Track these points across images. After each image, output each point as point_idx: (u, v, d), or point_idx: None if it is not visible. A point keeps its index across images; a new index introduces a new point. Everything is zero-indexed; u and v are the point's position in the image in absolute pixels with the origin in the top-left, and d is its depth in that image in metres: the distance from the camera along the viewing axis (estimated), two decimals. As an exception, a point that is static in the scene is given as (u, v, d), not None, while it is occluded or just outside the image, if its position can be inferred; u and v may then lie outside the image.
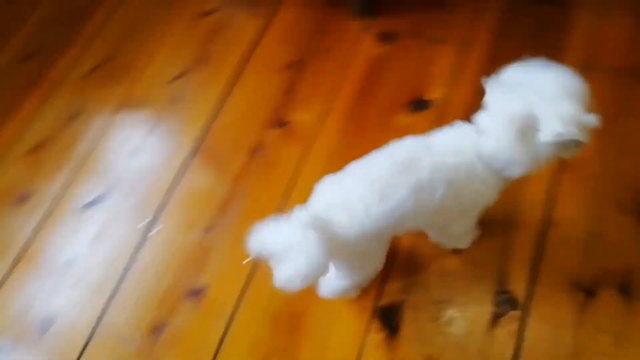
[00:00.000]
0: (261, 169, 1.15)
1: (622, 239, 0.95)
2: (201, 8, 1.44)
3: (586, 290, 0.92)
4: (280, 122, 1.21)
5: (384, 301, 0.95)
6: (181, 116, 1.27)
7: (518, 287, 0.94)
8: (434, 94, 1.18)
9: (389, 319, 0.93)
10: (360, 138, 1.15)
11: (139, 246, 1.08)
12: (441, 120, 1.13)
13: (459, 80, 1.19)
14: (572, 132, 0.66)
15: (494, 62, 1.21)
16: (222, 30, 1.39)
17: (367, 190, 0.75)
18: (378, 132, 1.15)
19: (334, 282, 0.90)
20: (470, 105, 1.14)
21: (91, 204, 1.17)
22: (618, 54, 1.16)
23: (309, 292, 0.96)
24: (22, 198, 1.20)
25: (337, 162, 1.13)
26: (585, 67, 1.13)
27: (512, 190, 1.03)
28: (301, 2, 1.39)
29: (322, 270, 0.70)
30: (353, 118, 1.18)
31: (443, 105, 1.16)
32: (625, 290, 0.91)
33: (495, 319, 0.91)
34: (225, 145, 1.20)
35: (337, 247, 0.73)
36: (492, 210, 1.02)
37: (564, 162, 1.04)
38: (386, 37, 1.28)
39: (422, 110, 1.16)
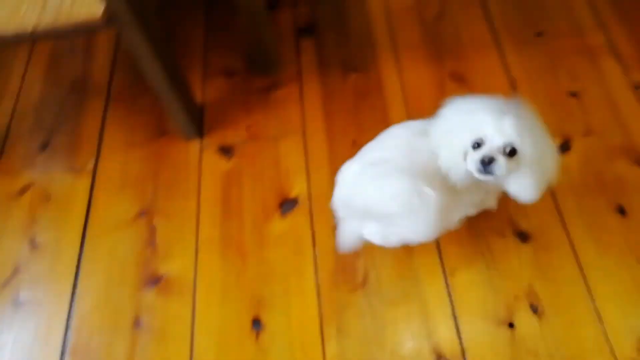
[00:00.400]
0: (151, 345, 1.00)
1: (511, 262, 1.02)
2: (11, 187, 1.25)
3: (507, 323, 0.96)
4: (152, 280, 1.08)
5: None
6: (32, 321, 1.06)
7: (452, 352, 0.94)
8: (297, 188, 1.17)
9: None
10: (242, 263, 1.08)
11: None
12: (316, 212, 1.13)
13: (314, 166, 1.20)
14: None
15: (337, 137, 1.26)
16: (46, 204, 1.21)
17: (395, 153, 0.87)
18: (258, 250, 1.09)
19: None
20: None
21: None
22: (429, 100, 1.27)
23: None
24: None
25: (231, 304, 1.05)
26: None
27: (404, 256, 1.05)
28: (121, 144, 1.28)
29: None
30: (227, 246, 1.11)
31: (311, 196, 1.15)
32: (536, 309, 0.97)
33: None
34: (99, 332, 1.03)
35: None
36: (399, 282, 1.03)
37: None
38: (227, 150, 1.24)
39: (293, 209, 1.14)
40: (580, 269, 1.00)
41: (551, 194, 1.08)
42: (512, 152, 0.77)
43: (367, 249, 1.05)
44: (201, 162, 1.23)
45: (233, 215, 1.14)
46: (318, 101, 1.30)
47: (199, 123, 1.27)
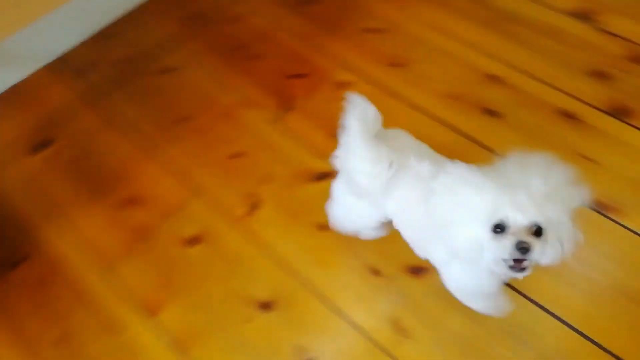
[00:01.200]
0: None
1: (269, 337, 0.95)
2: None
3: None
4: None
5: None
6: None
7: None
8: None
9: None
10: None
11: None
12: None
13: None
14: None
15: (37, 345, 1.00)
16: None
17: None
18: None
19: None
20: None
21: None
22: (118, 241, 1.14)
23: None
24: None
25: None
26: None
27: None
28: None
29: None
30: None
31: None
32: None
33: None
34: None
35: None
36: None
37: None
38: None
39: None
40: (322, 298, 1.00)
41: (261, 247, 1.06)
42: (538, 232, 0.64)
43: None
44: None
45: None
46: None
47: None
